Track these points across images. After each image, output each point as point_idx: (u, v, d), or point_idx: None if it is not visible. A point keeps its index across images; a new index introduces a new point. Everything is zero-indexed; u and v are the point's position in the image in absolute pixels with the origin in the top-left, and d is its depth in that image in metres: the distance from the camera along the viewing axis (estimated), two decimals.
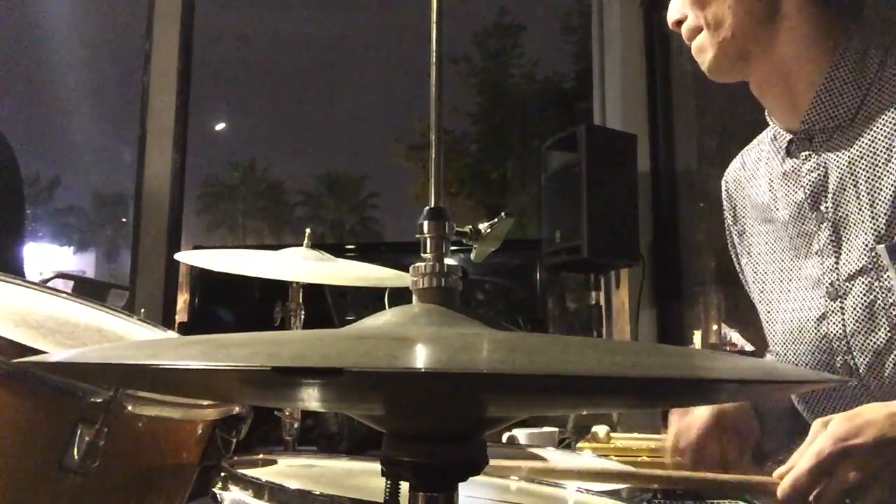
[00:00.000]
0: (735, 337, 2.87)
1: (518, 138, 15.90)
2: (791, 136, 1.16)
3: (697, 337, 2.86)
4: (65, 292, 1.26)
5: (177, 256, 1.64)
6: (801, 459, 0.94)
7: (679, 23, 1.17)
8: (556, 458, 1.40)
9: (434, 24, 0.60)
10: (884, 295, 1.06)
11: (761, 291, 1.26)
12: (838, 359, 1.11)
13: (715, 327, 3.07)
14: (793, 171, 1.16)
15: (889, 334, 1.06)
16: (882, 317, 1.06)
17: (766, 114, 1.22)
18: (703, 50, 1.15)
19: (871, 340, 1.08)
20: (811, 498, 0.94)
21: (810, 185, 1.13)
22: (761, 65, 1.14)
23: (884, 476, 0.93)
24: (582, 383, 0.42)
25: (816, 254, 1.13)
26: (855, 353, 1.09)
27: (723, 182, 1.36)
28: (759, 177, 1.26)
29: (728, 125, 3.00)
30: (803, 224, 1.15)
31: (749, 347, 2.67)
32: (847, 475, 0.92)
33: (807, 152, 1.14)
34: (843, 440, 0.93)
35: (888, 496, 0.92)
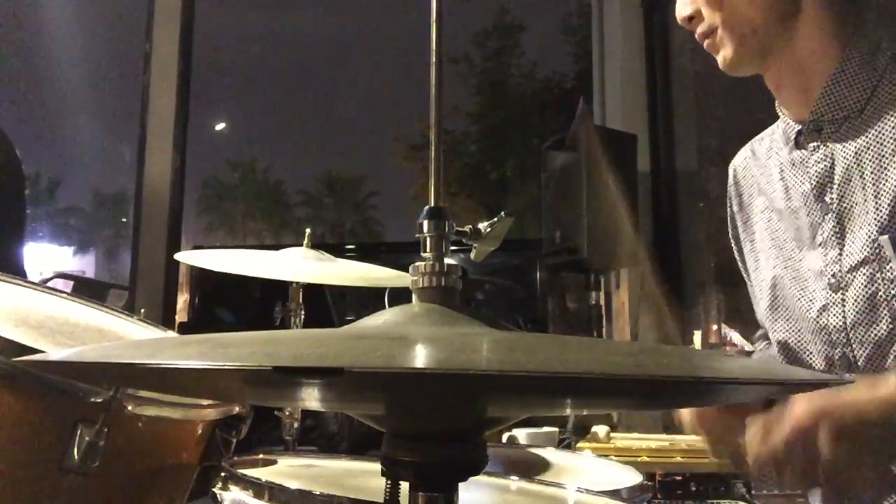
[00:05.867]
0: (735, 337, 2.86)
1: (518, 138, 15.91)
2: (800, 126, 1.16)
3: (697, 337, 2.86)
4: (65, 292, 1.26)
5: (177, 256, 1.64)
6: (778, 427, 0.94)
7: (690, 18, 1.15)
8: (557, 458, 1.40)
9: (434, 24, 0.60)
10: (886, 286, 1.05)
11: (763, 280, 1.26)
12: (837, 351, 1.11)
13: (715, 327, 3.07)
14: (801, 162, 1.16)
15: (890, 326, 1.05)
16: (884, 308, 1.06)
17: (776, 105, 1.21)
18: (721, 47, 1.13)
19: (871, 332, 1.07)
20: (785, 471, 0.94)
21: (817, 176, 1.13)
22: (779, 59, 1.13)
23: (859, 456, 0.92)
24: (581, 383, 0.42)
25: (820, 245, 1.13)
26: (854, 346, 1.09)
27: (730, 168, 1.35)
28: (770, 166, 1.25)
29: (728, 125, 2.99)
30: (809, 215, 1.15)
31: (749, 347, 2.66)
32: (822, 448, 0.92)
33: (815, 143, 1.14)
34: (822, 411, 0.92)
35: (863, 476, 0.92)
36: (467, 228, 0.73)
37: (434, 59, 0.60)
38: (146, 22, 3.33)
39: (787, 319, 1.20)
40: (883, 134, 1.07)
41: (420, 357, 0.41)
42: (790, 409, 0.95)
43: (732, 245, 1.37)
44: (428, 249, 0.57)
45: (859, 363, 1.09)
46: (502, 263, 4.02)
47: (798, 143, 1.17)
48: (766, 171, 1.25)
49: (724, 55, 1.13)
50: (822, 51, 1.11)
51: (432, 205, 0.58)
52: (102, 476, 0.87)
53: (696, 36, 1.16)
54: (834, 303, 1.11)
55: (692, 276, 3.23)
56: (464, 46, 16.01)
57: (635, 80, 3.33)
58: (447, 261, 0.57)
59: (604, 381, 0.40)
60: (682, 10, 1.16)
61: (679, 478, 1.44)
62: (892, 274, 1.05)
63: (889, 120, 1.07)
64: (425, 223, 0.58)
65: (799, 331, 1.18)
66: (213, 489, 0.94)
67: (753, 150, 1.31)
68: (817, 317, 1.13)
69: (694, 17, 1.14)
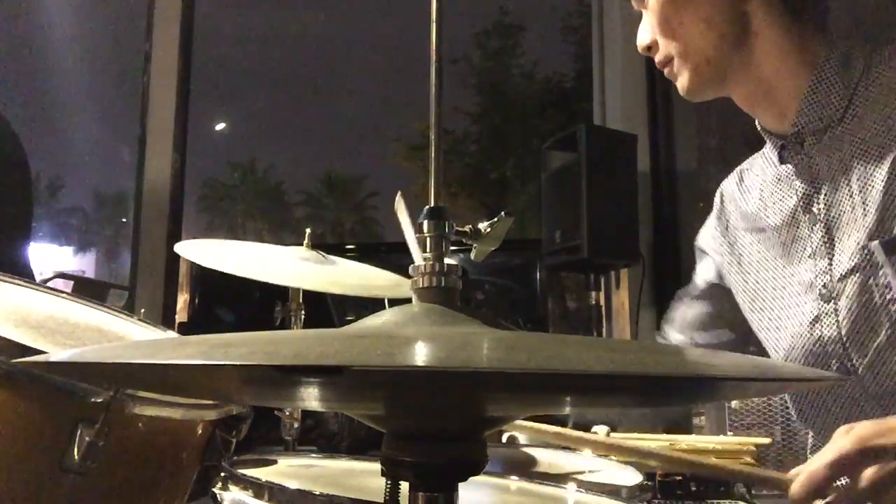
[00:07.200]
0: None
1: (518, 138, 15.90)
2: (783, 142, 1.16)
3: None
4: (65, 292, 1.25)
5: (177, 247, 1.62)
6: (822, 453, 0.93)
7: (648, 48, 1.18)
8: (557, 458, 1.40)
9: (434, 24, 0.60)
10: (881, 292, 1.05)
11: (752, 300, 1.26)
12: (833, 362, 1.11)
13: None
14: (786, 177, 1.16)
15: (890, 331, 1.05)
16: (882, 315, 1.05)
17: (756, 124, 1.22)
18: (678, 75, 1.16)
19: (870, 340, 1.07)
20: (828, 500, 0.92)
21: (803, 188, 1.13)
22: (741, 82, 1.15)
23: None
24: (581, 381, 0.42)
25: (810, 257, 1.13)
26: (852, 355, 1.09)
27: (718, 191, 1.36)
28: (751, 188, 1.26)
29: (728, 125, 2.99)
30: (797, 229, 1.15)
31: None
32: (867, 475, 0.91)
33: (799, 155, 1.14)
34: (867, 440, 0.91)
35: None
36: (467, 228, 0.74)
37: (434, 59, 0.60)
38: (146, 22, 3.33)
39: (777, 338, 1.20)
40: (865, 140, 1.07)
41: (420, 355, 0.41)
42: (834, 438, 0.94)
43: (703, 253, 1.38)
44: (428, 249, 0.57)
45: (859, 371, 1.08)
46: (502, 263, 4.02)
47: (782, 159, 1.17)
48: (748, 194, 1.26)
49: (681, 83, 1.16)
50: (786, 68, 1.12)
51: (432, 205, 0.58)
52: (102, 476, 0.87)
53: (656, 64, 1.18)
54: (826, 313, 1.11)
55: (692, 276, 3.23)
56: (464, 46, 16.01)
57: (635, 80, 3.33)
58: (447, 261, 0.57)
59: (604, 378, 0.40)
60: (641, 39, 1.19)
61: (679, 478, 1.44)
62: (885, 279, 1.04)
63: (870, 126, 1.07)
64: (425, 223, 0.58)
65: (792, 347, 1.17)
66: (213, 489, 0.94)
67: (741, 175, 1.31)
68: (810, 329, 1.13)
69: (651, 47, 1.17)
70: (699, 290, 1.38)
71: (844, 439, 0.92)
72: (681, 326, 1.43)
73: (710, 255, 1.37)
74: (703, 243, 1.39)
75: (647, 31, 1.17)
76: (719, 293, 1.35)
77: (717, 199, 1.36)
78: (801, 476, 0.93)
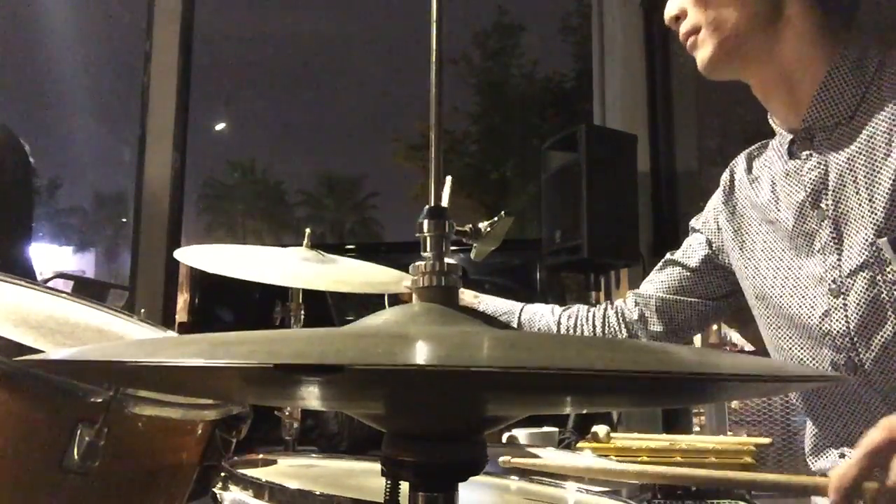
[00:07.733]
0: (735, 337, 2.87)
1: (518, 138, 15.92)
2: (793, 136, 1.17)
3: (697, 337, 2.86)
4: (65, 292, 1.26)
5: (176, 253, 1.62)
6: (854, 450, 0.92)
7: (677, 19, 1.18)
8: (556, 458, 1.40)
9: (434, 24, 0.60)
10: (888, 288, 1.06)
11: (753, 287, 1.26)
12: (841, 356, 1.12)
13: (715, 327, 3.07)
14: (795, 171, 1.17)
15: None
16: (889, 310, 1.06)
17: (768, 116, 1.22)
18: (701, 47, 1.16)
19: (877, 335, 1.08)
20: (865, 497, 0.90)
21: (811, 184, 1.14)
22: (762, 65, 1.16)
23: None
24: (581, 380, 0.42)
25: (819, 252, 1.14)
26: (859, 350, 1.10)
27: (727, 171, 1.36)
28: (762, 179, 1.27)
29: (728, 125, 3.00)
30: (805, 223, 1.16)
31: (749, 347, 2.67)
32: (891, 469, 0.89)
33: (808, 151, 1.15)
34: (893, 429, 0.90)
35: None
36: (467, 228, 0.74)
37: (434, 59, 0.60)
38: (146, 22, 3.33)
39: (787, 327, 1.20)
40: (874, 139, 1.08)
41: (421, 354, 0.41)
42: (867, 434, 0.93)
43: (700, 227, 1.38)
44: (428, 249, 0.57)
45: (866, 367, 1.09)
46: (502, 263, 4.03)
47: (791, 154, 1.18)
48: (758, 185, 1.27)
49: (702, 55, 1.16)
50: (807, 59, 1.13)
51: (432, 205, 0.58)
52: (102, 476, 0.87)
53: (680, 35, 1.19)
54: (836, 308, 1.11)
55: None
56: (464, 46, 16.03)
57: (635, 80, 3.34)
58: (447, 260, 0.57)
59: (603, 377, 0.40)
60: (670, 9, 1.19)
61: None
62: (893, 276, 1.05)
63: (879, 125, 1.08)
64: (425, 223, 0.58)
65: (797, 337, 1.18)
66: (213, 489, 0.94)
67: (749, 163, 1.31)
68: (819, 323, 1.13)
69: (679, 17, 1.18)
70: (695, 263, 1.39)
71: (875, 431, 0.91)
72: (655, 286, 1.45)
73: (706, 234, 1.38)
74: (701, 224, 1.40)
75: (678, 2, 1.18)
76: (708, 268, 1.37)
77: (726, 180, 1.35)
78: (833, 477, 0.92)
